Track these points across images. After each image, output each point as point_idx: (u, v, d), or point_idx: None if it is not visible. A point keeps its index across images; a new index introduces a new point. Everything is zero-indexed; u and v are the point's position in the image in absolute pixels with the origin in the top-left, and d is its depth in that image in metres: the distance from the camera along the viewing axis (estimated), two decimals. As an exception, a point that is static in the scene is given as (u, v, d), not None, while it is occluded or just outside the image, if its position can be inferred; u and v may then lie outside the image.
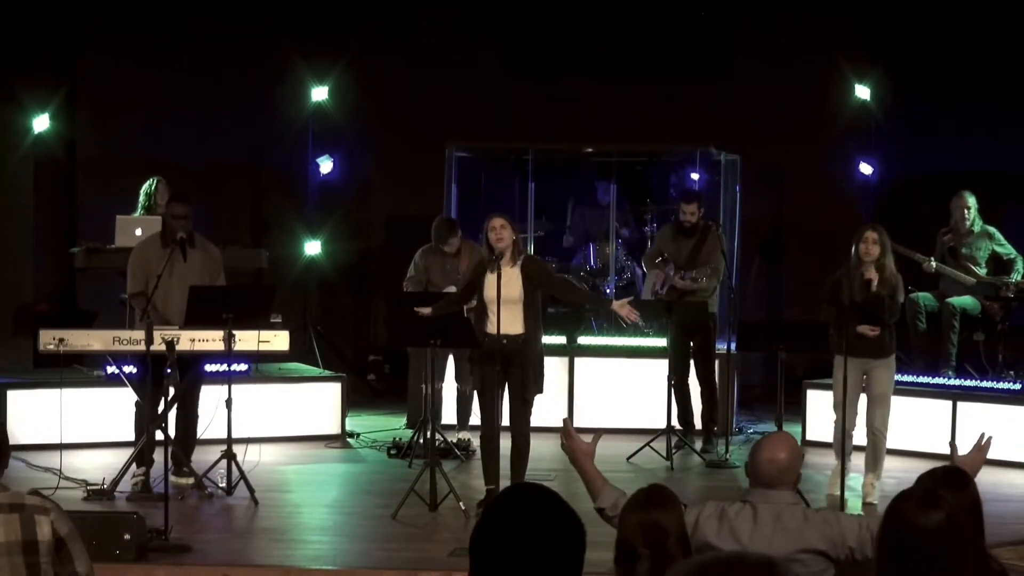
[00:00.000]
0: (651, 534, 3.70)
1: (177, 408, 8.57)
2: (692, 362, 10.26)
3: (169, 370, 7.97)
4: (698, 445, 10.13)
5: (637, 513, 3.79)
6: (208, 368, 8.89)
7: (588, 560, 2.71)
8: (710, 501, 4.52)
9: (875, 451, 8.47)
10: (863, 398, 8.58)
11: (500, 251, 7.81)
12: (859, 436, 8.66)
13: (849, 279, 8.39)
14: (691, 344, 10.20)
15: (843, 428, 8.37)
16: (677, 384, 10.08)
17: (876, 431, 8.45)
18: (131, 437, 8.68)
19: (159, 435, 8.06)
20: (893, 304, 8.32)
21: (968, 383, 10.08)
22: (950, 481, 4.21)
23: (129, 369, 8.73)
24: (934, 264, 10.27)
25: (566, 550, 2.65)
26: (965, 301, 10.22)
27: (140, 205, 10.50)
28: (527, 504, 2.69)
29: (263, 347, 8.63)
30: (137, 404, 8.58)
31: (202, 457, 8.72)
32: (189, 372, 8.53)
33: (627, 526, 3.76)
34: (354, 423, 10.75)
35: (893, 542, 3.64)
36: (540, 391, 8.01)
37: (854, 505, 8.24)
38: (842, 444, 8.34)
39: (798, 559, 4.32)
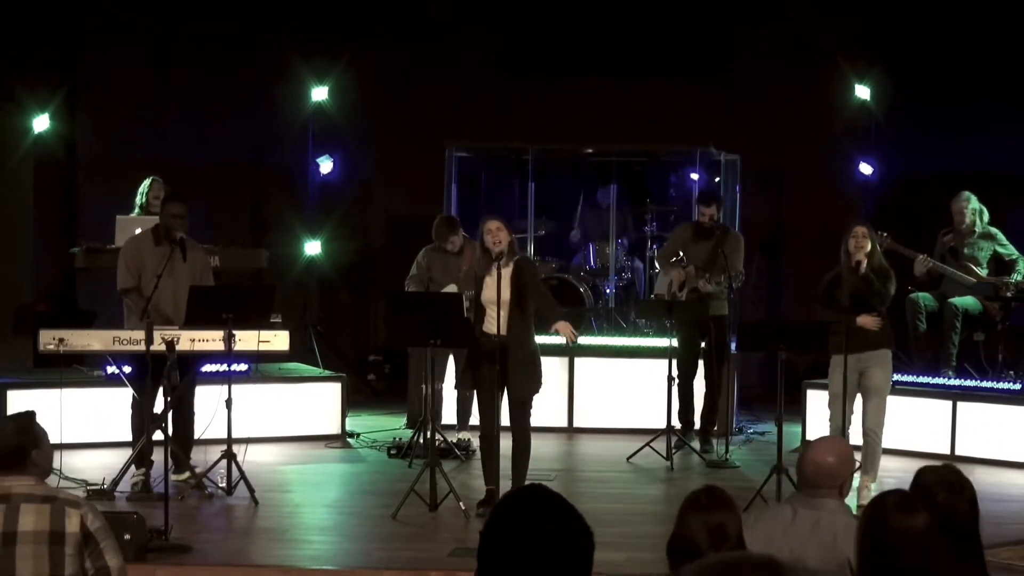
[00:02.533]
0: (716, 535, 3.72)
1: (173, 409, 8.56)
2: (701, 362, 10.22)
3: (170, 371, 7.95)
4: (698, 445, 10.13)
5: (700, 514, 3.80)
6: (208, 368, 8.89)
7: (595, 560, 2.71)
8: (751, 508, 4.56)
9: (871, 452, 8.46)
10: (858, 396, 8.57)
11: (498, 253, 7.81)
12: (854, 436, 8.62)
13: (843, 277, 8.41)
14: (702, 344, 10.16)
15: (841, 428, 8.37)
16: (682, 383, 10.06)
17: (871, 432, 8.43)
18: (130, 437, 8.67)
19: (159, 435, 8.06)
20: (884, 290, 8.34)
21: (968, 383, 10.08)
22: (947, 482, 4.19)
23: (127, 369, 8.71)
24: (928, 261, 10.23)
25: (576, 552, 2.65)
26: (966, 301, 10.22)
27: (137, 205, 10.51)
28: (536, 506, 2.69)
29: (263, 347, 8.63)
30: (133, 404, 8.56)
31: (202, 457, 8.72)
32: (187, 372, 8.51)
33: (690, 527, 3.76)
34: (354, 423, 10.75)
35: (874, 546, 3.63)
36: (537, 390, 8.00)
37: (852, 506, 8.23)
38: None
39: (831, 570, 4.29)
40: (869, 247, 8.35)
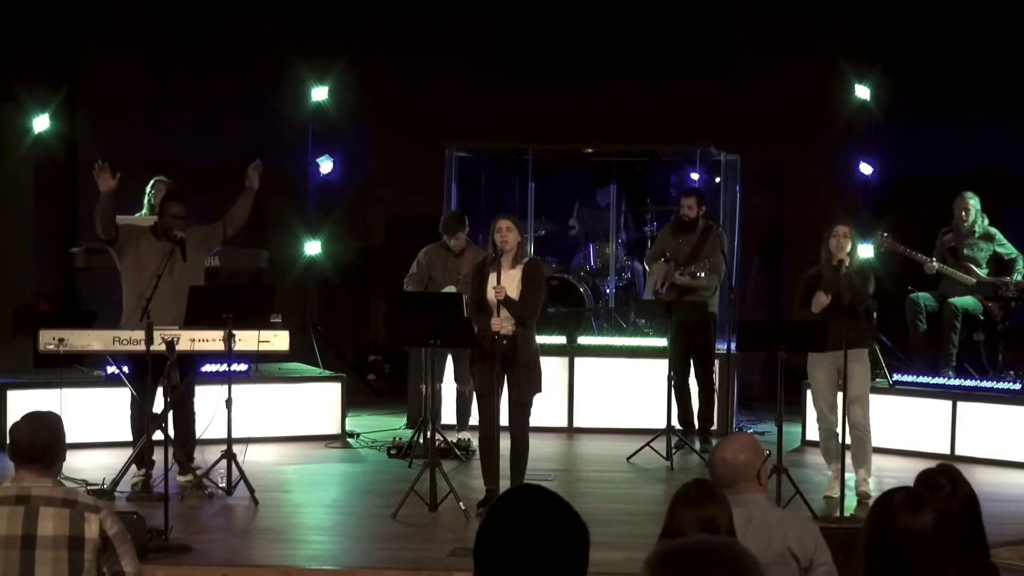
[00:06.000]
0: (707, 528, 3.75)
1: (173, 409, 8.56)
2: (691, 362, 10.25)
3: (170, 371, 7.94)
4: (698, 445, 10.13)
5: (692, 508, 3.86)
6: (208, 368, 8.88)
7: (591, 560, 2.71)
8: None
9: (862, 447, 8.46)
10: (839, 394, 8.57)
11: (503, 251, 7.82)
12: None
13: (823, 276, 8.43)
14: (691, 344, 10.18)
15: (831, 425, 8.39)
16: (677, 384, 10.07)
17: (859, 427, 8.42)
18: (130, 437, 8.66)
19: (159, 435, 8.05)
20: (864, 289, 8.34)
21: (968, 383, 10.08)
22: (944, 478, 4.20)
23: (124, 368, 8.71)
24: (936, 265, 10.27)
25: (571, 551, 2.65)
26: (966, 301, 10.22)
27: (145, 204, 10.50)
28: (531, 505, 2.69)
29: (263, 347, 8.63)
30: (132, 404, 8.56)
31: (202, 457, 8.72)
32: (187, 372, 8.51)
33: (683, 521, 3.80)
34: (354, 423, 10.75)
35: (881, 544, 3.63)
36: (539, 391, 8.01)
37: (852, 505, 8.24)
38: (841, 445, 8.31)
39: (771, 562, 4.31)
40: (850, 247, 8.39)
